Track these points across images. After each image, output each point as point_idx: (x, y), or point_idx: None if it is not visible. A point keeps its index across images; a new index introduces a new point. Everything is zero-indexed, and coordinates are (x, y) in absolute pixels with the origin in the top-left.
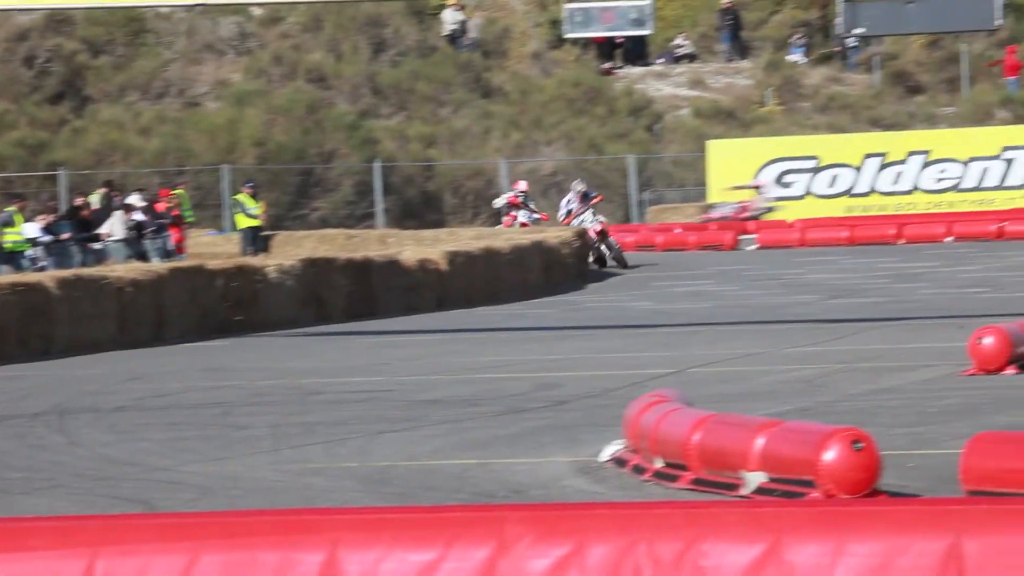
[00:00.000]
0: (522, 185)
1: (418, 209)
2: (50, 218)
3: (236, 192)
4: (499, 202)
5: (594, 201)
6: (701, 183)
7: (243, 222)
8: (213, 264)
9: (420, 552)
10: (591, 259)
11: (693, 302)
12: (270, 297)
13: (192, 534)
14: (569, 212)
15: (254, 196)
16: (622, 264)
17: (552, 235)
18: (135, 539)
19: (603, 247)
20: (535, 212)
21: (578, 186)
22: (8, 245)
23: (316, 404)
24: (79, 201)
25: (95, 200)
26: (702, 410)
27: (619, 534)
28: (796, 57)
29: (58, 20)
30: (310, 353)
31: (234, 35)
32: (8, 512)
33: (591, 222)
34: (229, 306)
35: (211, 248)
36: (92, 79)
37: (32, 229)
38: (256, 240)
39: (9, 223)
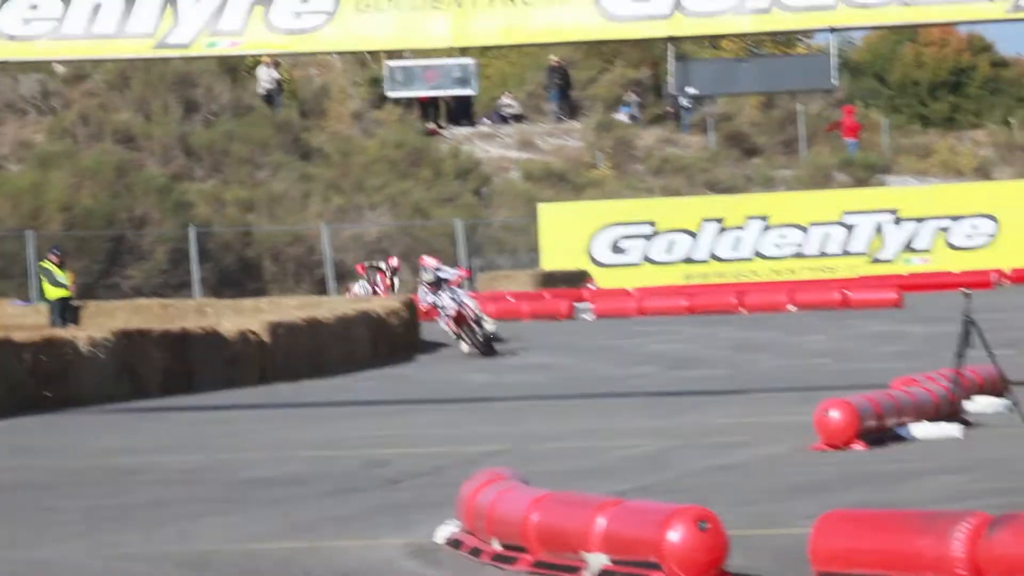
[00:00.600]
0: (394, 261)
1: (236, 277)
2: None
3: (42, 259)
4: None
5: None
6: (533, 248)
7: (51, 292)
8: (20, 336)
9: None
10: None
11: (528, 374)
12: (81, 371)
13: None
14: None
15: (61, 264)
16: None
17: (380, 305)
18: None
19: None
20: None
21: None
22: None
23: (133, 484)
24: None
25: None
26: (540, 488)
27: None
28: (623, 116)
29: None
30: (125, 430)
31: (35, 93)
32: None
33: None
34: (37, 381)
35: (17, 320)
36: None
37: None
38: (66, 311)
39: None
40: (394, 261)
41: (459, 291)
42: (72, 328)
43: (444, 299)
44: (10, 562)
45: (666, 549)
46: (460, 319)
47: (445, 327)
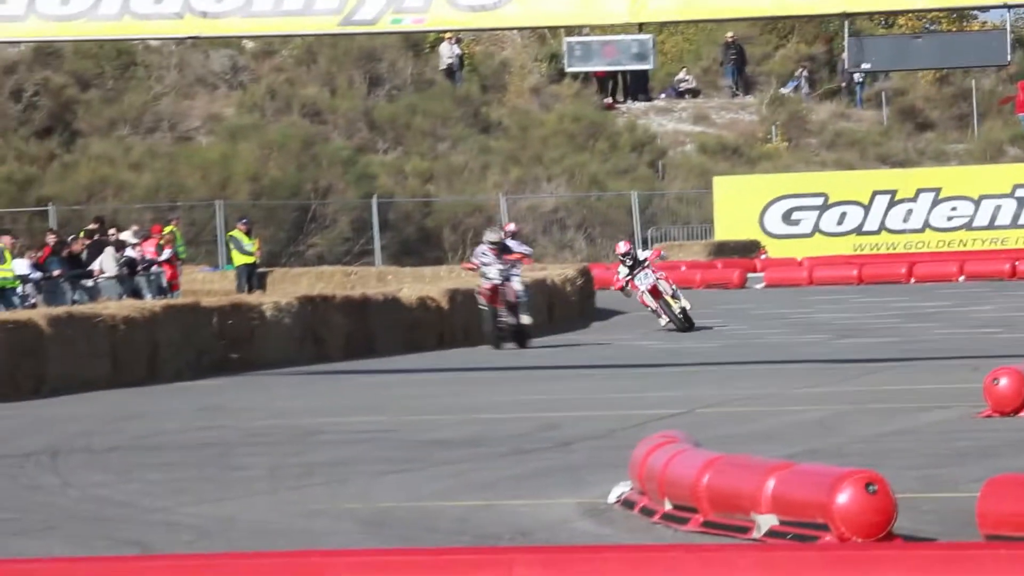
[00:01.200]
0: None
1: (417, 245)
2: (40, 254)
3: (230, 228)
4: None
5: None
6: (706, 220)
7: (238, 259)
8: (208, 301)
9: None
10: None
11: (700, 341)
12: (267, 335)
13: None
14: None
15: (249, 232)
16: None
17: (556, 273)
18: None
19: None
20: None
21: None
22: None
23: (315, 444)
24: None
25: (84, 236)
26: (711, 451)
27: None
28: (789, 91)
29: (46, 53)
30: (309, 392)
31: (226, 69)
32: (2, 554)
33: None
34: (224, 344)
35: (206, 285)
36: (82, 113)
37: (22, 266)
38: (251, 277)
39: None
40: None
41: (651, 270)
42: (258, 294)
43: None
44: (198, 517)
45: (834, 511)
46: (655, 294)
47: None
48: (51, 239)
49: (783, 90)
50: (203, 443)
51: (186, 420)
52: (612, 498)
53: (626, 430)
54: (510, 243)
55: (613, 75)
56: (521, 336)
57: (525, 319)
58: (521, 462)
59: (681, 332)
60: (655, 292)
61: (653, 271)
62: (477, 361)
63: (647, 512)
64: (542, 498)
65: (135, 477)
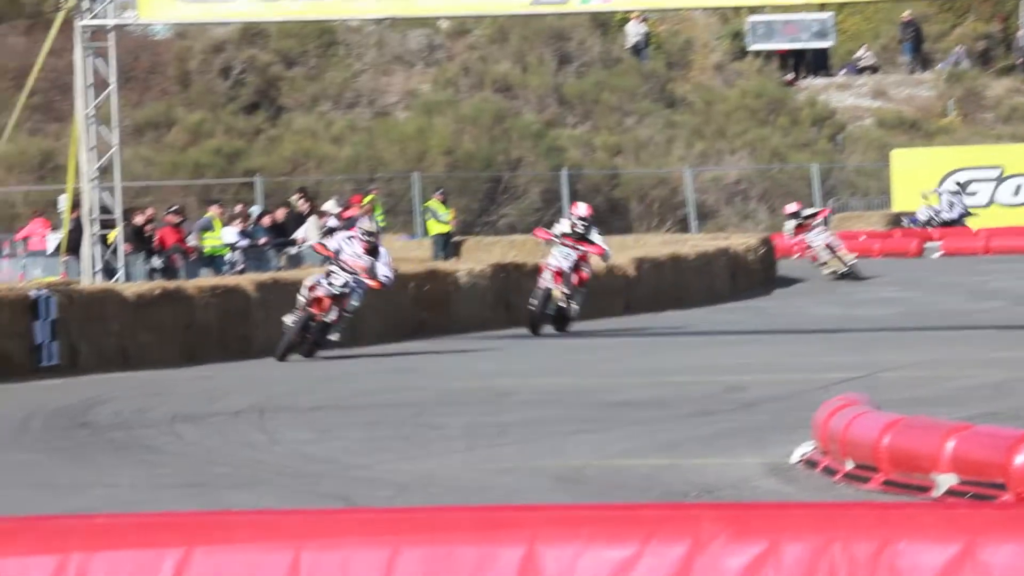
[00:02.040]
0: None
1: (604, 216)
2: (246, 223)
3: (426, 199)
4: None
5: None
6: (885, 191)
7: (434, 228)
8: (405, 268)
9: (617, 548)
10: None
11: (879, 308)
12: (461, 301)
13: (393, 529)
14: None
15: (444, 203)
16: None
17: (738, 241)
18: (338, 533)
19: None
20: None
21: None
22: (208, 249)
23: (509, 404)
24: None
25: (289, 206)
26: (891, 413)
27: (814, 533)
28: (948, 66)
29: (253, 33)
30: (501, 355)
31: (422, 47)
32: (213, 506)
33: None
34: (421, 309)
35: (403, 253)
36: (286, 89)
37: (230, 234)
38: (447, 245)
39: (208, 228)
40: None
41: (821, 229)
42: (453, 261)
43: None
44: (398, 473)
45: (1013, 471)
46: (826, 250)
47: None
48: (303, 205)
49: (940, 66)
50: (401, 403)
51: (385, 381)
52: (795, 457)
53: (808, 392)
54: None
55: (794, 52)
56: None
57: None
58: (707, 423)
59: (847, 279)
60: (558, 275)
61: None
62: (663, 326)
63: (829, 471)
64: (727, 457)
65: (337, 435)
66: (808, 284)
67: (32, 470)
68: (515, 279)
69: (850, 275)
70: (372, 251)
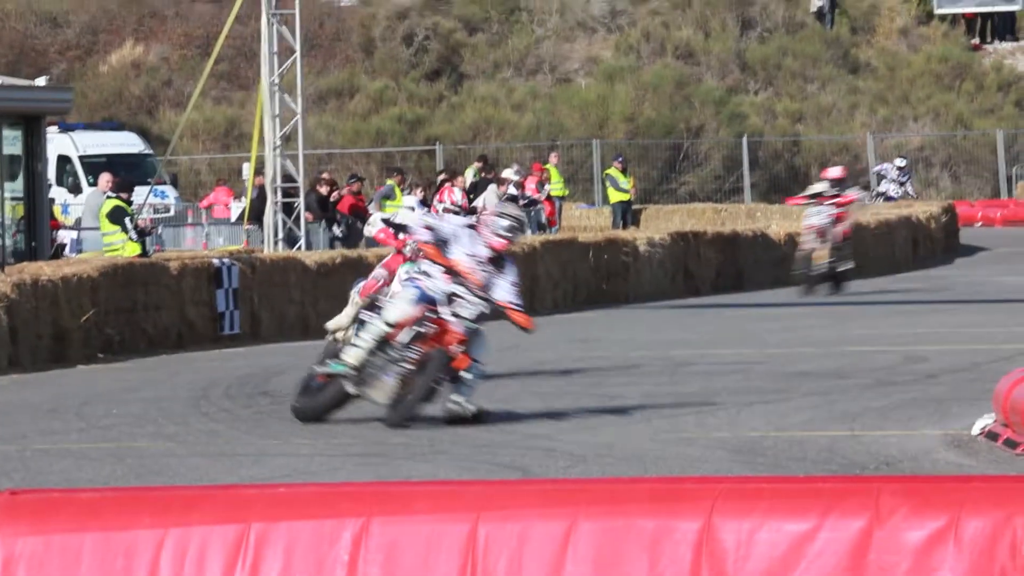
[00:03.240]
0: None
1: (785, 183)
2: (427, 191)
3: (606, 166)
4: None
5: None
6: None
7: (614, 196)
8: (584, 237)
9: (796, 522)
10: None
11: None
12: (640, 269)
13: (571, 500)
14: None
15: (624, 171)
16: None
17: (920, 209)
18: (516, 504)
19: None
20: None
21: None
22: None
23: (687, 375)
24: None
25: (470, 174)
26: None
27: (995, 507)
28: None
29: (436, 0)
30: (679, 325)
31: (605, 13)
32: (392, 477)
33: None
34: (600, 278)
35: (582, 221)
36: (468, 56)
37: (411, 201)
38: (626, 214)
39: (390, 195)
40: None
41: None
42: (632, 229)
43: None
44: (575, 443)
45: None
46: (820, 234)
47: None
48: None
49: None
50: (579, 372)
51: (563, 351)
52: (976, 430)
53: (991, 363)
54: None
55: (981, 16)
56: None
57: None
58: (886, 394)
59: (821, 284)
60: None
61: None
62: (843, 296)
63: (1010, 444)
64: (907, 429)
65: (515, 404)
66: (991, 253)
67: (213, 439)
68: (694, 248)
69: (825, 283)
70: (495, 260)
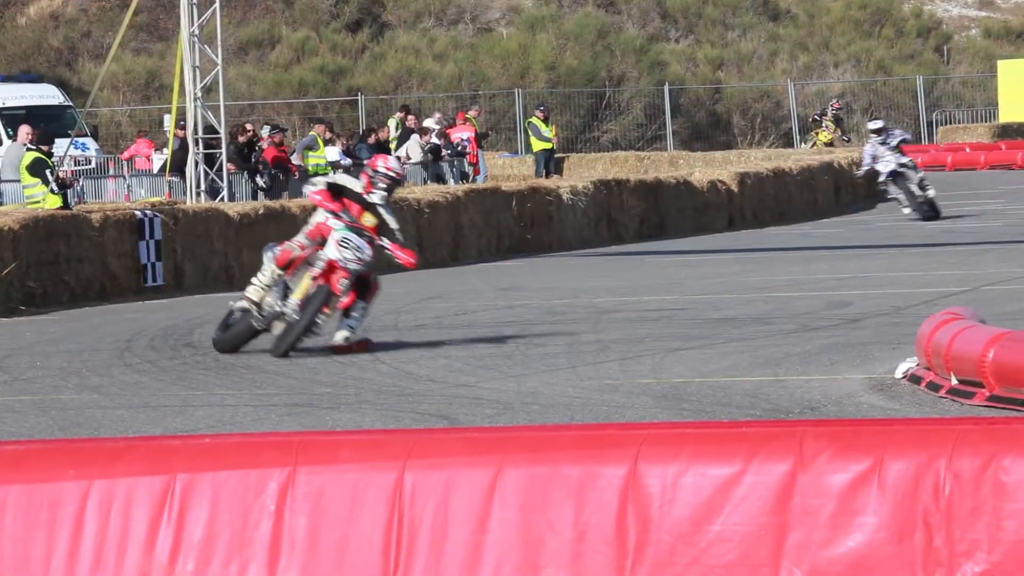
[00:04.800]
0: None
1: (707, 131)
2: (349, 141)
3: (529, 116)
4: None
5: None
6: (991, 103)
7: (536, 145)
8: (507, 186)
9: (720, 466)
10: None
11: (983, 221)
12: (563, 218)
13: (497, 448)
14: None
15: (546, 120)
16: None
17: (842, 155)
18: (442, 452)
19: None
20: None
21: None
22: (311, 168)
23: (611, 322)
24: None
25: (392, 125)
26: (996, 328)
27: (919, 449)
28: None
29: None
30: (603, 273)
31: None
32: (318, 426)
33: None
34: (523, 226)
35: (505, 170)
36: (389, 6)
37: (333, 152)
38: (549, 162)
39: (312, 146)
40: (874, 123)
41: (903, 156)
42: (555, 178)
43: (883, 161)
44: (501, 391)
45: None
46: (897, 179)
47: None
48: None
49: None
50: (504, 321)
51: (487, 299)
52: (899, 373)
53: (912, 307)
54: (889, 139)
55: None
56: (933, 208)
57: (931, 192)
58: (810, 339)
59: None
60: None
61: (901, 155)
62: (765, 242)
63: (933, 387)
64: (830, 374)
65: (440, 354)
66: None
67: (137, 390)
68: (617, 196)
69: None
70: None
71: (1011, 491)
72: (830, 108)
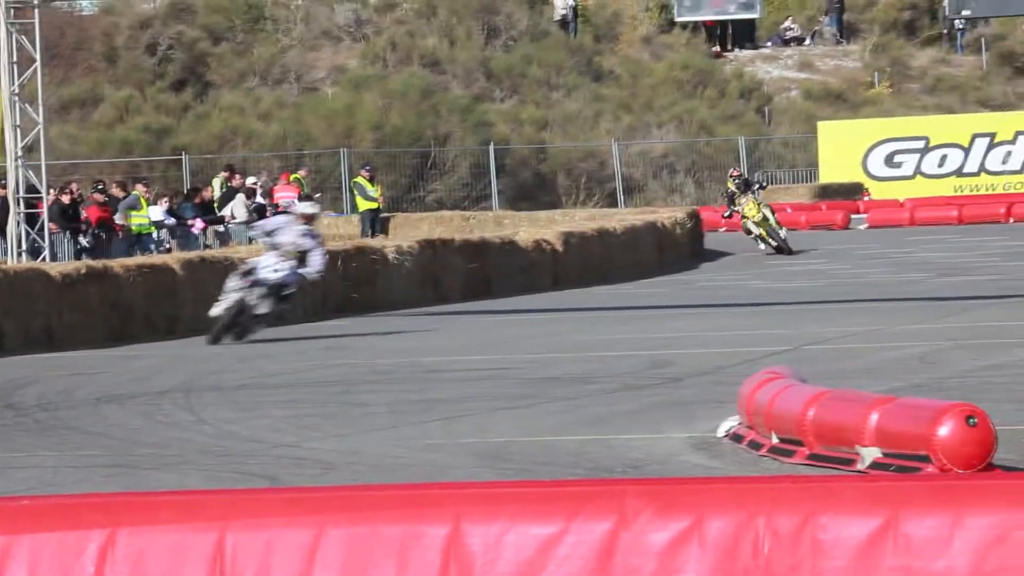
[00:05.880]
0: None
1: (532, 190)
2: (173, 201)
3: (354, 175)
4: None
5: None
6: (811, 163)
7: (362, 204)
8: (333, 245)
9: (542, 525)
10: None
11: (806, 280)
12: (389, 277)
13: (318, 508)
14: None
15: (372, 179)
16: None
17: (665, 215)
18: (263, 513)
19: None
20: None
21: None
22: (135, 227)
23: (435, 382)
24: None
25: (216, 184)
26: (816, 386)
27: (738, 508)
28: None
29: (180, 8)
30: (428, 332)
31: (350, 22)
32: (138, 487)
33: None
34: (349, 286)
35: (331, 230)
36: (213, 66)
37: (157, 212)
38: (375, 222)
39: (135, 206)
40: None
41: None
42: (381, 238)
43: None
44: (325, 451)
45: (936, 443)
46: (760, 221)
47: (748, 231)
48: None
49: (808, 43)
50: (328, 381)
51: (311, 359)
52: (721, 432)
53: (734, 366)
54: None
55: (722, 24)
56: (787, 246)
57: (783, 233)
58: (633, 398)
59: (781, 254)
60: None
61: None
62: (590, 301)
63: (754, 445)
64: (653, 432)
65: (263, 413)
66: (735, 258)
67: None
68: (443, 255)
69: (787, 248)
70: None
71: (828, 549)
72: (752, 179)
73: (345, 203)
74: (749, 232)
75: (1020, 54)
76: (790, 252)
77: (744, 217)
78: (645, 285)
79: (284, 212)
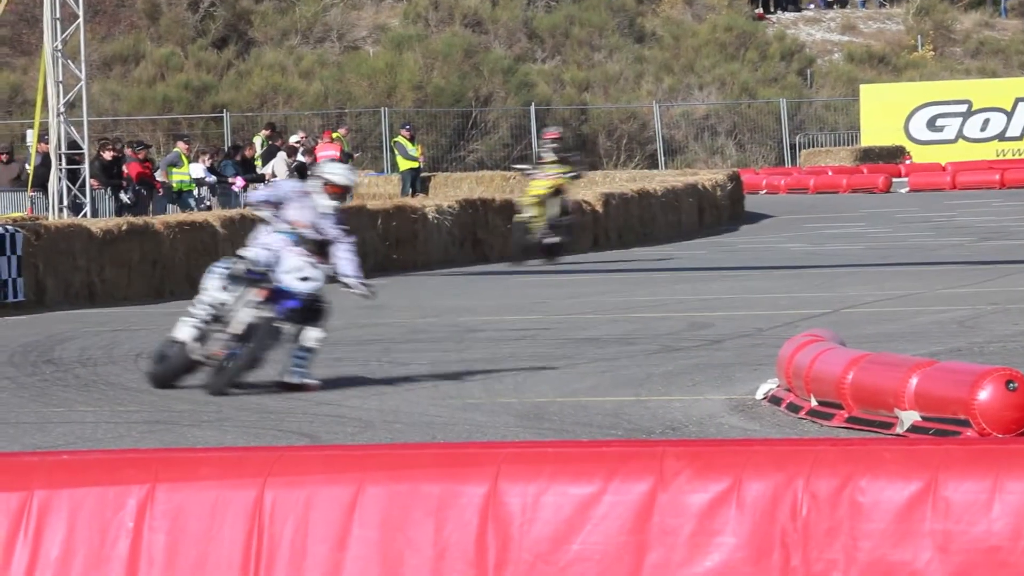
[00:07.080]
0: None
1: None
2: (215, 159)
3: (395, 135)
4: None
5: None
6: (853, 127)
7: (403, 164)
8: (373, 205)
9: (581, 485)
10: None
11: (846, 243)
12: (428, 237)
13: (357, 466)
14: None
15: (412, 138)
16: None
17: (706, 177)
18: (302, 470)
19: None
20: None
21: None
22: (175, 184)
23: (474, 341)
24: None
25: (257, 142)
26: (856, 350)
27: (777, 470)
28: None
29: None
30: (467, 292)
31: None
32: (178, 443)
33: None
34: (388, 245)
35: (371, 189)
36: (255, 23)
37: (198, 169)
38: (415, 181)
39: (176, 163)
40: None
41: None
42: (421, 197)
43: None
44: (362, 410)
45: (975, 407)
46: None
47: (518, 209)
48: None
49: (851, 6)
50: (367, 340)
51: (351, 317)
52: (760, 395)
53: (773, 329)
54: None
55: None
56: (551, 252)
57: (554, 238)
58: (672, 359)
59: (535, 256)
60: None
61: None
62: (629, 263)
63: (793, 408)
64: (692, 394)
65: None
66: (776, 220)
67: None
68: (483, 215)
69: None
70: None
71: (867, 512)
72: (571, 156)
73: (386, 162)
74: (518, 212)
75: None
76: (548, 257)
77: (525, 191)
78: (685, 247)
79: (301, 174)
